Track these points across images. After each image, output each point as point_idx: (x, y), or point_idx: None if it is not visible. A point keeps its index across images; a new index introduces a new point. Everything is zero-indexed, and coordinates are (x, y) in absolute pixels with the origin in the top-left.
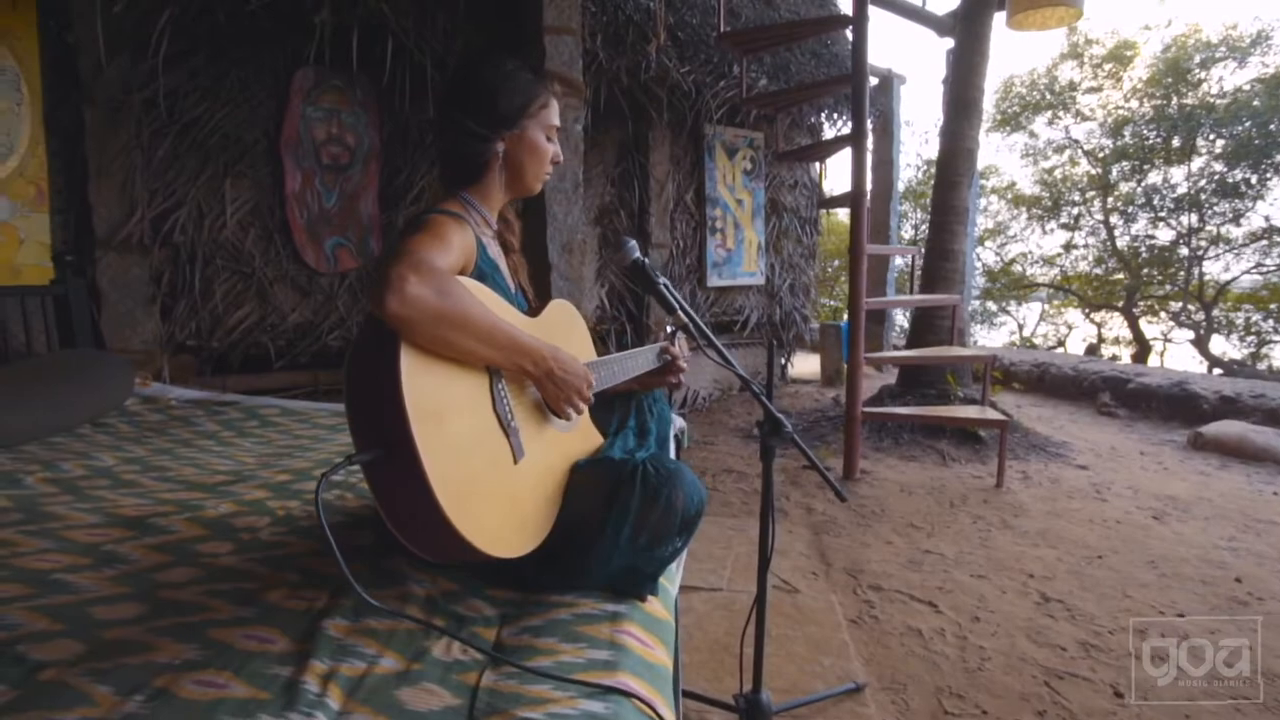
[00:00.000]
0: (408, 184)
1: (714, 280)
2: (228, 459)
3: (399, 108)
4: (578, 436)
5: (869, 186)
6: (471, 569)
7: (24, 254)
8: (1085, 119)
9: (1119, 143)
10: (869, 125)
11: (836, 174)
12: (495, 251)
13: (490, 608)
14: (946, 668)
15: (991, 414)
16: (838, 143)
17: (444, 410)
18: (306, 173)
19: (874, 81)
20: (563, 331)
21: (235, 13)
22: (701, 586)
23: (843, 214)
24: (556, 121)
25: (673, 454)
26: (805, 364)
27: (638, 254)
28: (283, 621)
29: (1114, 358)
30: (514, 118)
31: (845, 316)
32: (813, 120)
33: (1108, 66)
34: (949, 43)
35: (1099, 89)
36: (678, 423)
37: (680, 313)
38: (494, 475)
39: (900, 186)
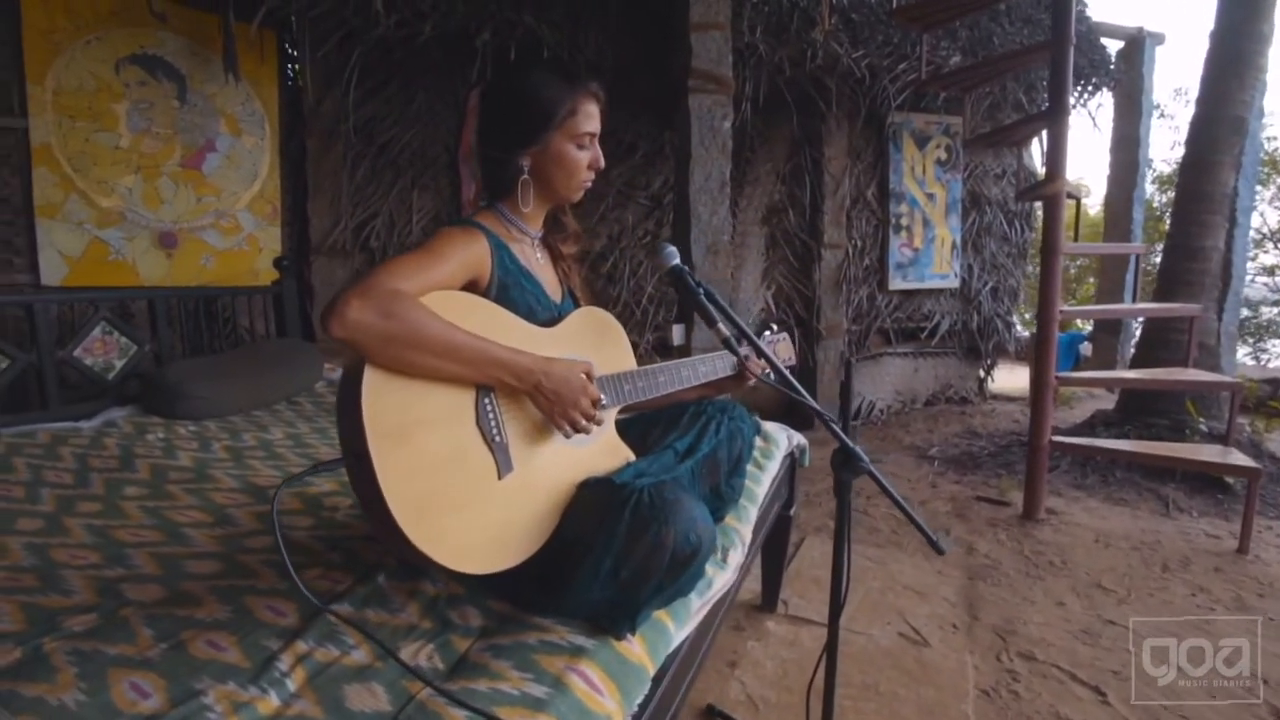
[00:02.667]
0: None
1: (897, 283)
2: None
3: None
4: (597, 452)
5: (1108, 171)
6: (479, 578)
7: (262, 260)
8: None
9: None
10: (1101, 97)
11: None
12: (533, 259)
13: (481, 618)
14: None
15: (1237, 457)
16: (1031, 123)
17: (411, 426)
18: (479, 182)
19: (1115, 45)
20: (588, 340)
21: (409, 46)
22: (815, 620)
23: (1090, 203)
24: (592, 128)
25: (764, 475)
26: (1012, 378)
27: (676, 260)
28: (302, 598)
29: None
30: (534, 134)
31: (1078, 325)
32: (1021, 97)
33: None
34: None
35: None
36: (794, 440)
37: (721, 327)
38: (468, 490)
39: (1164, 169)
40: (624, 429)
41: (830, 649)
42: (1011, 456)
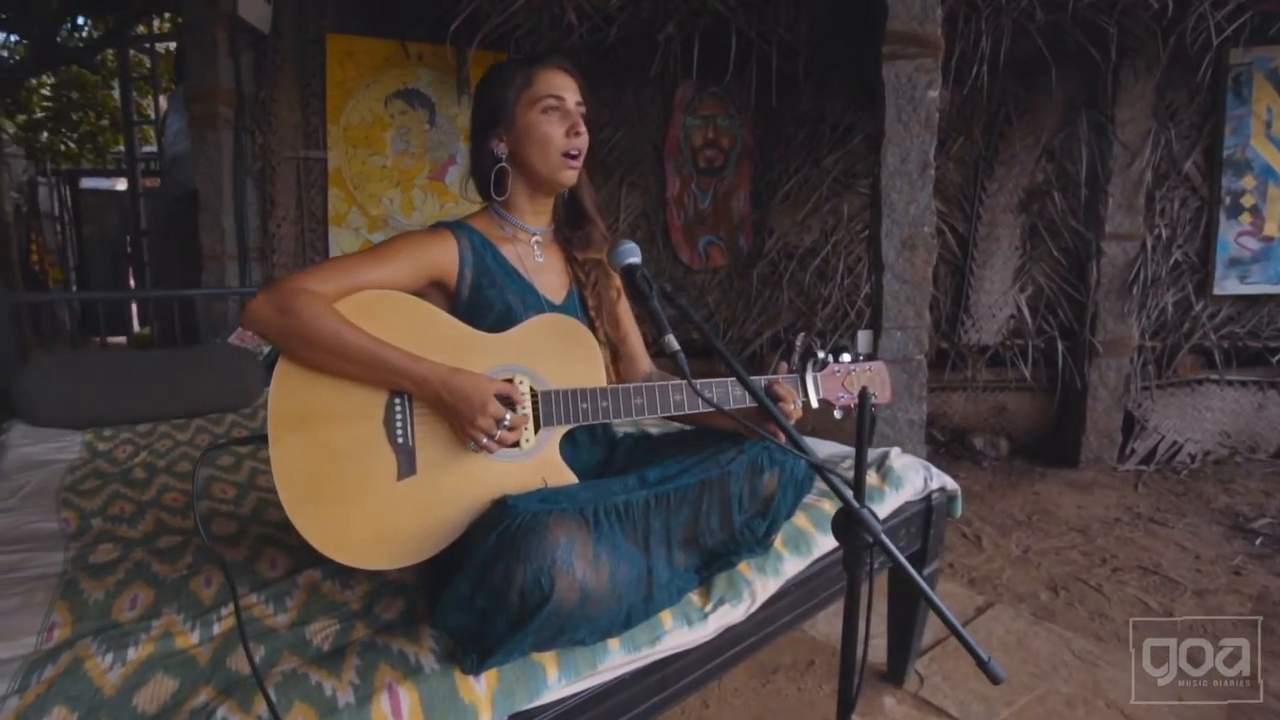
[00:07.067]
0: (779, 180)
1: (1228, 285)
2: None
3: (769, 106)
4: (528, 470)
5: None
6: (422, 574)
7: None
8: None
9: None
10: None
11: None
12: (528, 257)
13: (396, 614)
14: None
15: None
16: None
17: (313, 416)
18: (684, 177)
19: None
20: (547, 350)
21: (595, 51)
22: (948, 712)
23: None
24: (555, 90)
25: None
26: None
27: (633, 259)
28: (300, 557)
29: None
30: (500, 111)
31: None
32: None
33: None
34: None
35: None
36: (935, 481)
37: (670, 339)
38: (359, 486)
39: None
40: (651, 444)
41: None
42: None
